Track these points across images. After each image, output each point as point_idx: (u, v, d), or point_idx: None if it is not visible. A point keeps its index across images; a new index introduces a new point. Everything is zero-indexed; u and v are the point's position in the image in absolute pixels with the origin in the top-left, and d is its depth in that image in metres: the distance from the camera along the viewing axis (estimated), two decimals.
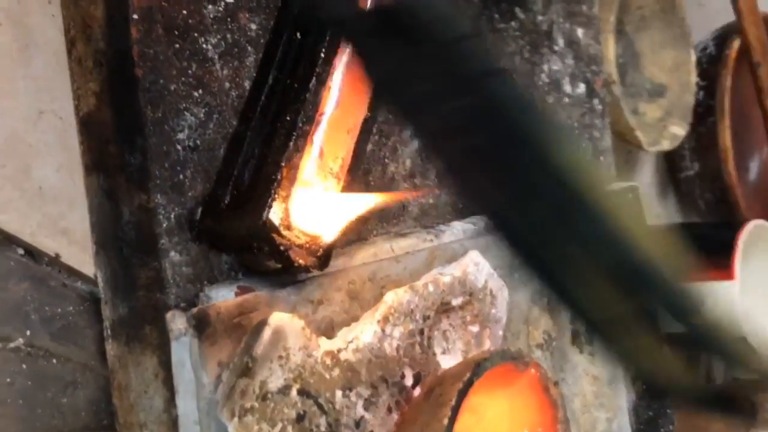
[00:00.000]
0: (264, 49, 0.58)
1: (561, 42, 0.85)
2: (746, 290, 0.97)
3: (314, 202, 0.53)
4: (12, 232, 0.55)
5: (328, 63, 0.55)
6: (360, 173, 0.65)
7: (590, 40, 0.89)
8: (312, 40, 0.56)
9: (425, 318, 0.63)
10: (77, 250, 0.57)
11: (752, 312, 0.97)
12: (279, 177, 0.52)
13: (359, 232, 0.66)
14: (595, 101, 0.89)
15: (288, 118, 0.54)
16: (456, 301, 0.65)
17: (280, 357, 0.53)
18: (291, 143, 0.53)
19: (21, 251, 0.56)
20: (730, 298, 0.94)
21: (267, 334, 0.52)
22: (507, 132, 0.37)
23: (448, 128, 0.38)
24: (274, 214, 0.51)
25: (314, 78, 0.55)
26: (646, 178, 1.14)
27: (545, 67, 0.83)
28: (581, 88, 0.87)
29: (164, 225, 0.55)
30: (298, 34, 0.57)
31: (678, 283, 0.39)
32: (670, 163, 1.16)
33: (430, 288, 0.63)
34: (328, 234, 0.55)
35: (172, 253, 0.55)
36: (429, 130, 0.40)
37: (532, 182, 0.37)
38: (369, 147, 0.66)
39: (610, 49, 0.91)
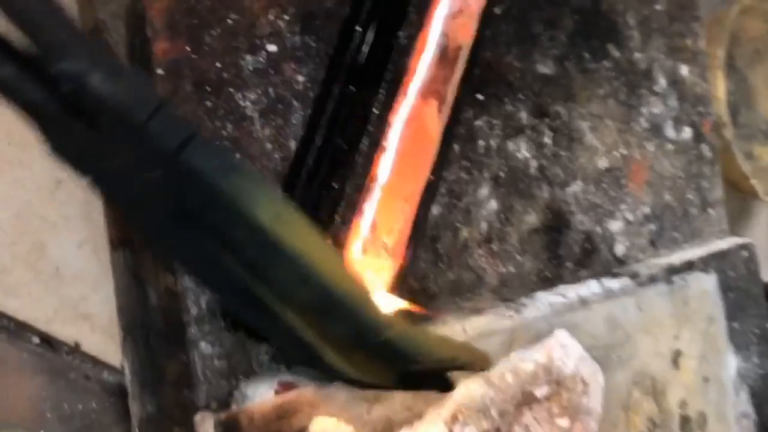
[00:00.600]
0: (313, 105, 0.51)
1: (662, 81, 0.75)
2: None
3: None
4: (25, 319, 0.48)
5: (383, 120, 0.47)
6: (426, 241, 0.57)
7: (696, 78, 0.78)
8: (366, 94, 0.48)
9: (503, 414, 0.53)
10: (101, 336, 0.50)
11: None
12: None
13: (425, 307, 0.57)
14: (703, 147, 0.78)
15: (335, 185, 0.46)
16: (540, 392, 0.55)
17: None
18: (337, 215, 0.45)
19: (36, 340, 0.49)
20: None
21: None
22: (201, 196, 0.38)
23: (143, 200, 0.38)
24: None
25: (366, 138, 0.46)
26: (763, 226, 1.02)
27: (644, 110, 0.73)
28: (687, 132, 0.76)
29: (193, 311, 0.47)
30: (352, 87, 0.49)
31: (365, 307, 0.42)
32: None
33: (509, 378, 0.54)
34: None
35: (203, 344, 0.47)
36: (127, 204, 0.40)
37: (228, 241, 0.39)
38: (438, 210, 0.57)
39: (720, 88, 0.80)
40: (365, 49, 0.50)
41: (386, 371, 0.47)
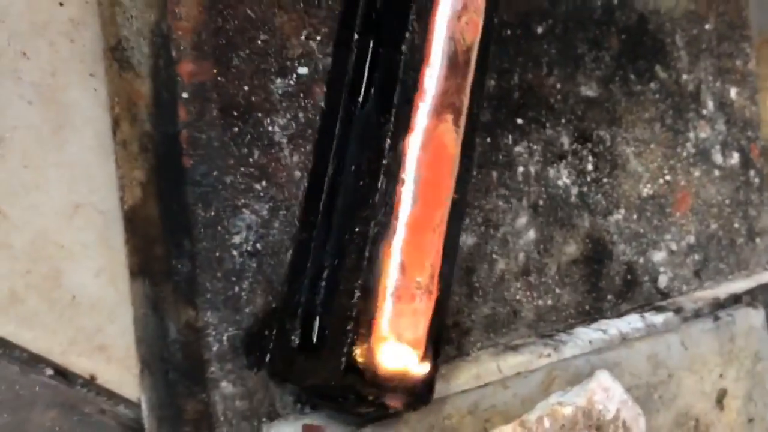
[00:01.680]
0: (318, 129, 0.48)
1: (710, 104, 0.71)
2: None
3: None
4: (38, 351, 0.46)
5: (397, 150, 0.44)
6: (460, 273, 0.54)
7: (745, 101, 0.74)
8: (376, 119, 0.45)
9: None
10: (117, 369, 0.48)
11: None
12: (355, 312, 0.40)
13: (459, 345, 0.54)
14: (752, 173, 0.74)
15: (357, 230, 0.43)
16: None
17: None
18: (364, 264, 0.42)
19: (50, 372, 0.47)
20: None
21: None
22: None
23: None
24: (356, 361, 0.40)
25: (382, 173, 0.43)
26: None
27: (691, 135, 0.69)
28: (735, 158, 0.73)
29: (214, 348, 0.44)
30: (356, 108, 0.46)
31: None
32: None
33: (546, 424, 0.51)
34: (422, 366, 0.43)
35: (224, 383, 0.45)
36: None
37: None
38: (473, 240, 0.54)
39: None
40: (366, 66, 0.46)
41: None
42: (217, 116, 0.45)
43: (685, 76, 0.69)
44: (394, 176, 0.42)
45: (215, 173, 0.44)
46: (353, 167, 0.44)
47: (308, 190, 0.46)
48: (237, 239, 0.45)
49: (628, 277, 0.64)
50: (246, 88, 0.46)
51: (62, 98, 0.47)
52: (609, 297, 0.63)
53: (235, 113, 0.45)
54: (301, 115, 0.48)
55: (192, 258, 0.44)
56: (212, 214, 0.44)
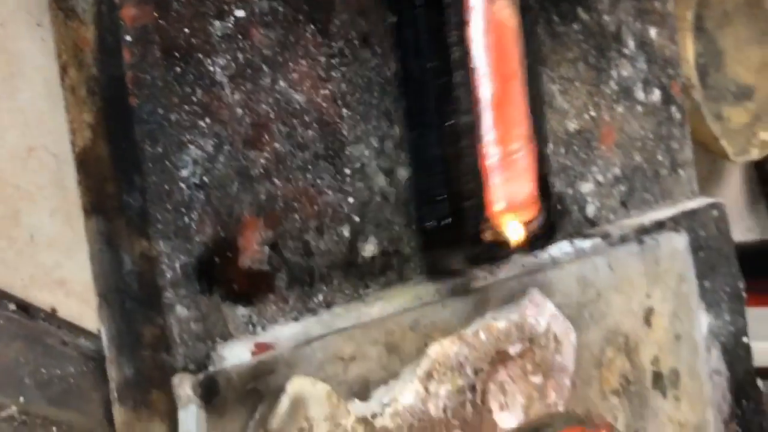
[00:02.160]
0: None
1: (631, 44, 0.75)
2: None
3: None
4: (1, 286, 0.48)
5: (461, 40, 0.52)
6: (400, 206, 0.57)
7: (665, 41, 0.79)
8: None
9: (477, 371, 0.54)
10: (77, 302, 0.51)
11: None
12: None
13: (400, 271, 0.58)
14: (673, 109, 0.79)
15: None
16: (513, 350, 0.56)
17: (302, 429, 0.45)
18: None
19: (12, 307, 0.49)
20: None
21: (284, 403, 0.45)
22: None
23: None
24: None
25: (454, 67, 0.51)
26: (734, 190, 1.03)
27: (614, 72, 0.73)
28: (656, 94, 0.77)
29: (168, 276, 0.47)
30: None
31: None
32: (761, 172, 1.05)
33: (482, 336, 0.55)
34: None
35: (178, 308, 0.48)
36: None
37: None
38: (406, 172, 0.58)
39: (689, 50, 0.81)
40: None
41: None
42: (159, 57, 0.47)
43: (606, 17, 0.73)
44: (465, 67, 0.51)
45: (160, 111, 0.47)
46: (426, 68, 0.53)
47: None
48: (184, 173, 0.48)
49: (558, 206, 0.68)
50: (186, 30, 0.48)
51: (12, 48, 0.49)
52: None
53: (177, 54, 0.48)
54: (240, 55, 0.50)
55: (142, 192, 0.47)
56: (159, 150, 0.47)
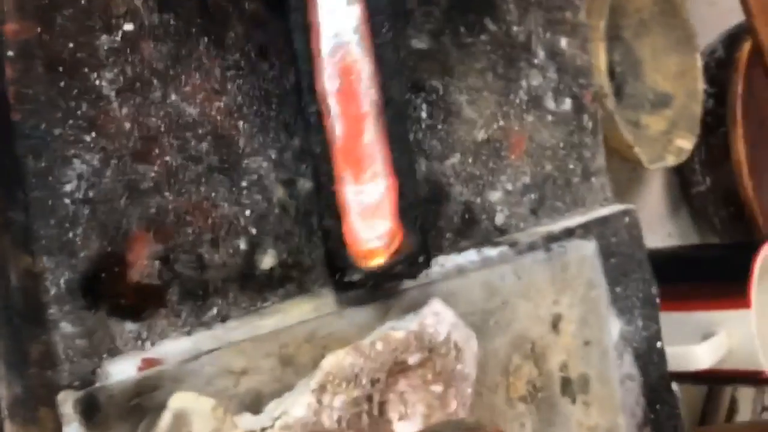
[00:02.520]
0: None
1: (541, 54, 0.76)
2: (764, 316, 0.88)
3: None
4: None
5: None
6: (299, 217, 0.58)
7: (576, 50, 0.80)
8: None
9: (374, 382, 0.54)
10: None
11: None
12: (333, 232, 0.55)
13: (300, 283, 0.58)
14: (584, 117, 0.80)
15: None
16: (413, 359, 0.57)
17: None
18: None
19: None
20: (746, 328, 0.85)
21: (166, 419, 0.45)
22: None
23: None
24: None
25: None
26: (654, 195, 1.05)
27: (523, 82, 0.74)
28: (567, 103, 0.78)
29: (52, 292, 0.47)
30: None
31: None
32: (681, 178, 1.07)
33: (379, 347, 0.55)
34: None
35: (63, 324, 0.47)
36: None
37: None
38: (310, 185, 0.58)
39: (601, 59, 0.82)
40: None
41: None
42: (43, 72, 0.47)
43: (515, 28, 0.74)
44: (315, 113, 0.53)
45: (44, 126, 0.47)
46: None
47: None
48: (69, 188, 0.47)
49: (466, 216, 0.69)
50: (71, 44, 0.48)
51: None
52: (448, 235, 0.68)
53: (61, 68, 0.48)
54: (129, 69, 0.50)
55: (26, 208, 0.47)
56: (43, 164, 0.47)
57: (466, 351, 0.60)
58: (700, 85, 0.96)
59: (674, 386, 0.85)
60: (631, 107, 0.93)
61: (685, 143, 0.93)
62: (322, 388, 0.52)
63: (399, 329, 0.56)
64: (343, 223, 0.55)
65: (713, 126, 0.99)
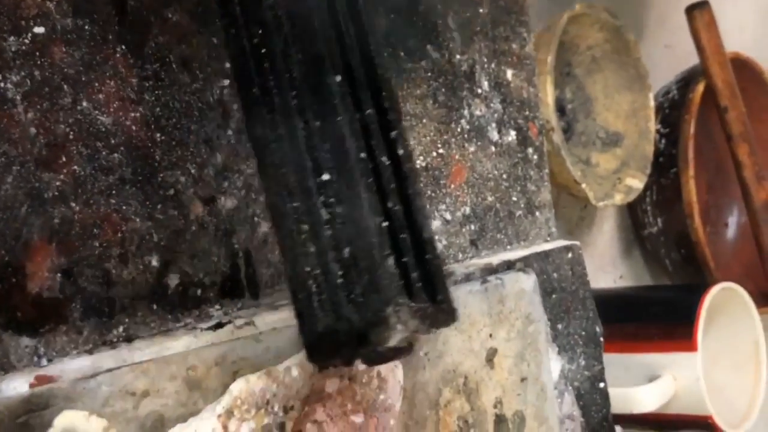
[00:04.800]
0: None
1: (486, 84, 0.75)
2: (712, 360, 0.86)
3: None
4: None
5: None
6: (220, 236, 0.55)
7: (522, 83, 0.79)
8: None
9: (287, 409, 0.52)
10: None
11: (718, 385, 0.86)
12: None
13: (216, 304, 0.55)
14: (530, 150, 0.79)
15: None
16: (331, 387, 0.54)
17: None
18: None
19: None
20: (693, 371, 0.83)
21: None
22: None
23: None
24: None
25: None
26: (606, 236, 1.03)
27: (466, 112, 0.73)
28: (511, 135, 0.77)
29: None
30: None
31: None
32: (633, 218, 1.05)
33: (294, 373, 0.52)
34: None
35: None
36: None
37: None
38: (232, 204, 0.56)
39: (548, 93, 0.81)
40: None
41: None
42: None
43: (458, 56, 0.73)
44: None
45: None
46: None
47: None
48: None
49: None
50: None
51: None
52: None
53: None
54: (37, 72, 0.48)
55: None
56: None
57: (389, 381, 0.57)
58: (652, 125, 0.95)
59: (618, 429, 0.83)
60: (581, 144, 0.92)
61: (636, 182, 0.92)
62: (228, 414, 0.49)
63: None
64: None
65: (666, 167, 0.98)
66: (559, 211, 0.81)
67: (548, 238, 0.80)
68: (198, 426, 0.48)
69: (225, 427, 0.49)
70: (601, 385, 0.80)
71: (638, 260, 1.07)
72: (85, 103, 0.50)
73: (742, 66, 1.05)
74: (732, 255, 1.10)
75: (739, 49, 1.08)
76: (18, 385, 0.45)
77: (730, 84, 0.97)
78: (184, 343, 0.51)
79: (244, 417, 0.50)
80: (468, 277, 0.68)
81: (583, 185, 0.84)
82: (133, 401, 0.47)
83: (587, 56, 0.93)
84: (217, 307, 0.55)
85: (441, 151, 0.70)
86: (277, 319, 0.55)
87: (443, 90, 0.71)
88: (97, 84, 0.51)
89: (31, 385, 0.45)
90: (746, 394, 0.88)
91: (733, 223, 1.13)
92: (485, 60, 0.75)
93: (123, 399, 0.47)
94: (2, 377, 0.46)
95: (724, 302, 0.89)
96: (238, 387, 0.50)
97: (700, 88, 0.99)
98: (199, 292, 0.54)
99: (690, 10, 0.98)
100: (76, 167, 0.49)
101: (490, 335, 0.68)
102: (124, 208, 0.51)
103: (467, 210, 0.72)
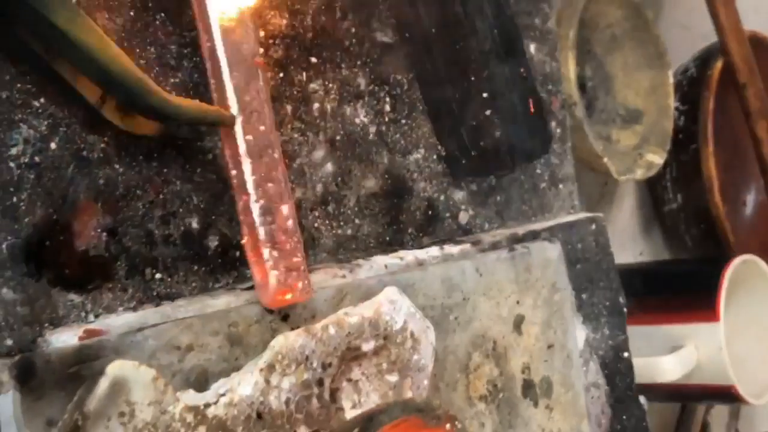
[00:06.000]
0: None
1: None
2: (734, 332, 0.87)
3: None
4: None
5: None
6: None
7: (545, 57, 0.80)
8: None
9: (325, 366, 0.53)
10: None
11: (740, 356, 0.86)
12: None
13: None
14: (553, 123, 0.80)
15: None
16: (367, 346, 0.56)
17: (122, 414, 0.44)
18: None
19: None
20: (716, 341, 0.84)
21: (103, 385, 0.43)
22: None
23: None
24: None
25: None
26: (627, 211, 1.04)
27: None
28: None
29: None
30: None
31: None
32: (653, 195, 1.06)
33: (332, 330, 0.54)
34: None
35: (4, 290, 0.46)
36: None
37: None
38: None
39: (570, 68, 0.82)
40: None
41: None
42: None
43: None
44: None
45: None
46: None
47: None
48: (14, 151, 0.46)
49: (429, 212, 0.68)
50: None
51: None
52: (410, 230, 0.67)
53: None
54: None
55: None
56: None
57: (422, 342, 0.59)
58: (671, 101, 0.96)
59: (642, 399, 0.84)
60: (602, 122, 0.93)
61: (656, 158, 0.93)
62: (270, 368, 0.50)
63: (353, 315, 0.55)
64: None
65: (685, 143, 0.99)
66: (580, 188, 0.83)
67: (571, 210, 0.81)
68: (241, 379, 0.50)
69: (267, 381, 0.50)
70: (625, 354, 0.81)
71: (658, 237, 1.08)
72: None
73: (759, 45, 1.06)
74: (750, 232, 1.11)
75: (757, 31, 1.09)
76: (67, 338, 0.46)
77: (748, 61, 0.98)
78: (225, 302, 0.53)
79: (285, 372, 0.51)
80: (495, 246, 0.70)
81: (605, 159, 0.85)
82: (178, 355, 0.49)
83: (607, 34, 0.94)
84: None
85: None
86: (314, 281, 0.57)
87: None
88: (138, 50, 0.52)
89: (80, 338, 0.46)
90: None
91: (751, 201, 1.14)
92: None
93: (168, 353, 0.48)
94: (52, 331, 0.47)
95: (746, 275, 0.90)
96: (279, 342, 0.51)
97: (719, 65, 1.00)
98: (237, 254, 0.56)
99: None
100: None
101: (518, 302, 0.69)
102: (165, 171, 0.53)
103: (493, 181, 0.73)
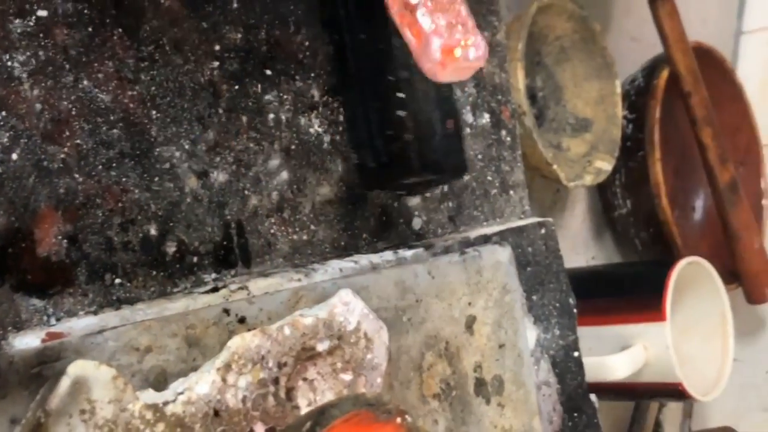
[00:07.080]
0: None
1: None
2: (682, 331, 0.91)
3: None
4: None
5: None
6: (213, 207, 0.59)
7: (494, 69, 0.83)
8: None
9: (281, 365, 0.55)
10: None
11: (687, 354, 0.90)
12: None
13: (211, 270, 0.59)
14: (503, 132, 0.83)
15: None
16: (322, 346, 0.58)
17: (83, 411, 0.46)
18: None
19: None
20: (663, 340, 0.87)
21: (64, 384, 0.45)
22: None
23: None
24: None
25: None
26: (578, 217, 1.08)
27: None
28: (485, 118, 0.81)
29: None
30: None
31: None
32: (604, 201, 1.10)
33: (287, 331, 0.56)
34: None
35: None
36: None
37: None
38: (225, 177, 0.60)
39: (519, 78, 0.85)
40: None
41: None
42: None
43: None
44: None
45: None
46: None
47: None
48: None
49: (383, 218, 0.71)
50: None
51: None
52: (365, 235, 0.69)
53: None
54: (41, 53, 0.52)
55: None
56: None
57: (376, 341, 0.61)
58: (619, 111, 0.99)
59: (593, 398, 0.87)
60: (553, 131, 0.97)
61: (605, 164, 0.96)
62: (227, 367, 0.53)
63: (308, 316, 0.58)
64: None
65: (633, 150, 1.02)
66: (532, 195, 0.86)
67: (522, 216, 0.84)
68: (199, 378, 0.52)
69: (224, 380, 0.52)
70: (576, 354, 0.84)
71: (609, 241, 1.11)
72: (85, 82, 0.53)
73: (704, 54, 1.10)
74: (699, 237, 1.15)
75: (702, 41, 1.13)
76: (30, 341, 0.48)
77: (692, 70, 1.02)
78: (183, 305, 0.55)
79: (241, 371, 0.53)
80: (447, 250, 0.72)
81: (555, 166, 0.88)
82: (137, 356, 0.51)
83: (556, 46, 0.97)
84: (213, 274, 0.59)
85: None
86: (268, 285, 0.59)
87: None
88: (96, 64, 0.54)
89: (43, 341, 0.48)
90: (715, 364, 0.92)
91: (699, 206, 1.18)
92: None
93: (128, 353, 0.50)
94: (15, 334, 0.49)
95: (692, 277, 0.93)
96: (235, 343, 0.53)
97: (665, 74, 1.04)
98: (195, 259, 0.58)
99: (653, 1, 1.03)
100: (78, 141, 0.53)
101: (469, 303, 0.71)
102: (123, 180, 0.55)
103: (445, 188, 0.76)
